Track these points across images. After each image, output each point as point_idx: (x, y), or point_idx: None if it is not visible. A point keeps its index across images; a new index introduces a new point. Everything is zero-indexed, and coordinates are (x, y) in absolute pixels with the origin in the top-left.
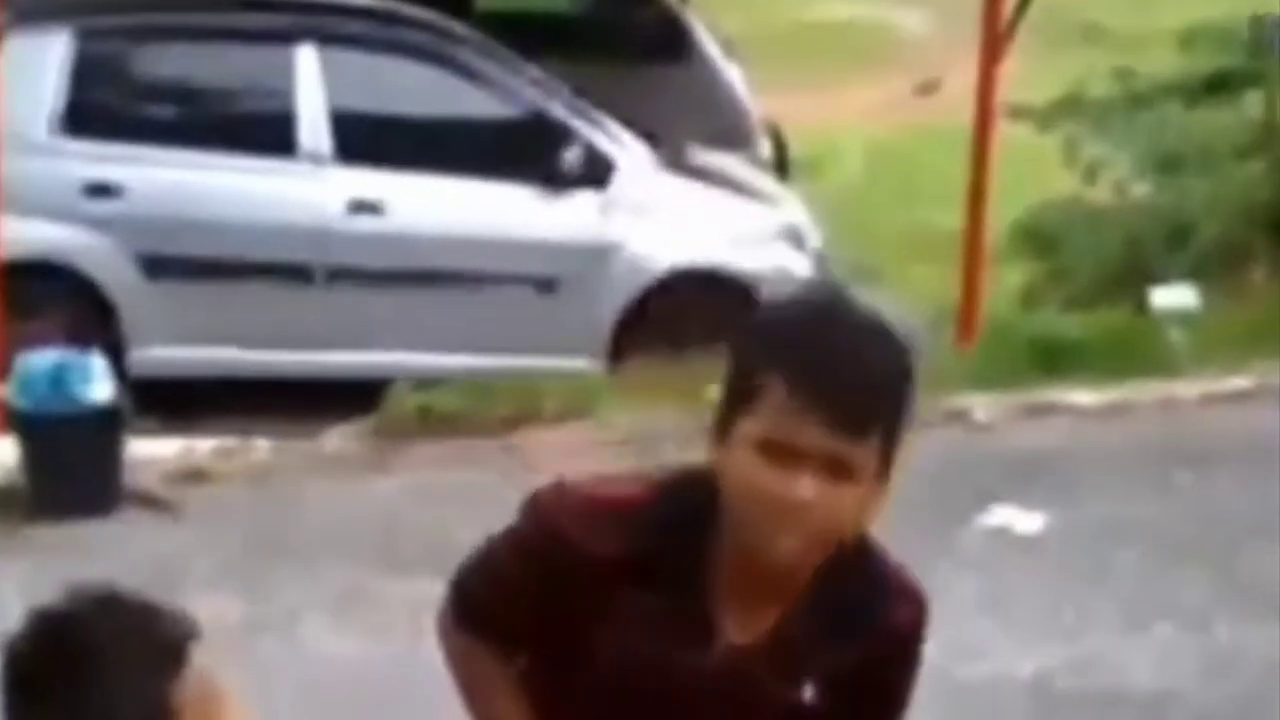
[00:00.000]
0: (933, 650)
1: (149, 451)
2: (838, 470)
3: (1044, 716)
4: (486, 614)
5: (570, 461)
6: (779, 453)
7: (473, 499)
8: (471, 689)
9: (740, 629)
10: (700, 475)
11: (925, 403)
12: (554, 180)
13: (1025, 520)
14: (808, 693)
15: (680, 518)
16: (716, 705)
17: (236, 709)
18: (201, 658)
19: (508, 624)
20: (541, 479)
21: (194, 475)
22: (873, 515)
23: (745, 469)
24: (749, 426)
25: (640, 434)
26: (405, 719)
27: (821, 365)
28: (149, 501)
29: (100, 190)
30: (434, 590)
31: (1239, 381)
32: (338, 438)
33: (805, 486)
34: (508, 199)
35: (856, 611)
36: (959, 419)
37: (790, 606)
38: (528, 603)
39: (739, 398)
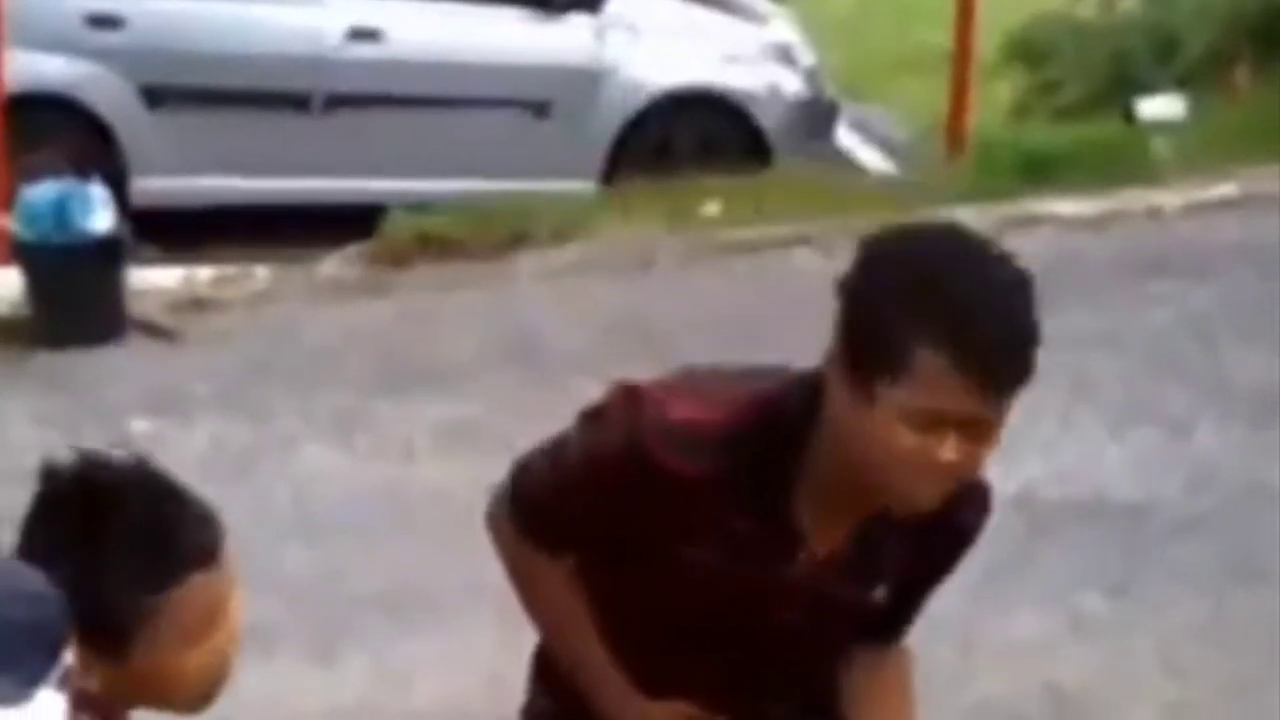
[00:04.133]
0: None
1: (151, 280)
2: (983, 430)
3: (1027, 528)
4: (554, 526)
5: (566, 281)
6: (928, 421)
7: (469, 321)
8: (536, 598)
9: (821, 540)
10: (787, 398)
11: (915, 216)
12: (548, 4)
13: None
14: (879, 592)
15: (769, 442)
16: (794, 615)
17: (236, 607)
18: (226, 561)
19: (576, 537)
20: (536, 302)
21: (195, 303)
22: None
23: (889, 436)
24: (899, 396)
25: (635, 254)
26: (399, 537)
27: (979, 337)
28: (151, 329)
29: (102, 21)
30: (429, 412)
31: (1225, 189)
32: (335, 263)
33: (950, 449)
34: (503, 24)
35: (934, 514)
36: None
37: (867, 514)
38: (601, 518)
39: (881, 362)
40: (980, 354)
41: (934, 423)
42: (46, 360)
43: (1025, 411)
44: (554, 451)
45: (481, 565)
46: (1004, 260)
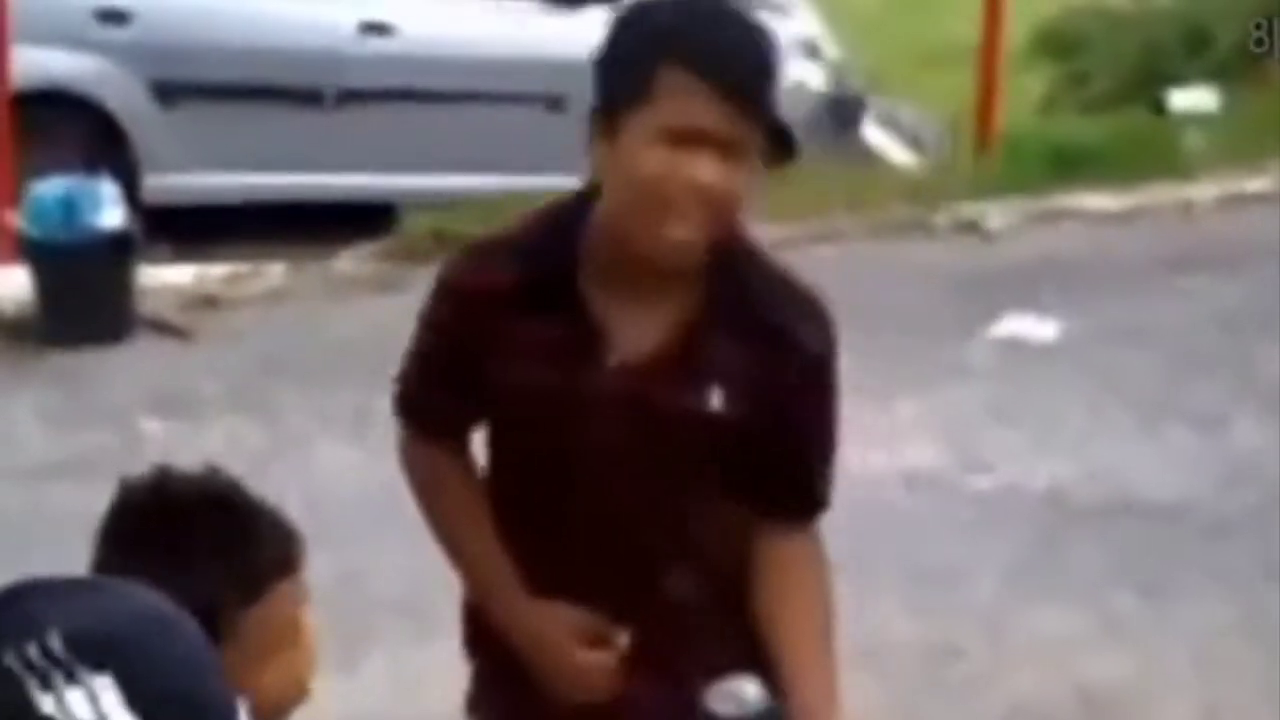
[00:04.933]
0: (946, 461)
1: (162, 278)
2: (733, 151)
3: (1058, 526)
4: (426, 405)
5: None
6: (679, 138)
7: None
8: (435, 506)
9: (634, 342)
10: (575, 196)
11: (941, 211)
12: None
13: (1040, 328)
14: (714, 399)
15: (560, 237)
16: (621, 424)
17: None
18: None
19: (445, 409)
20: None
21: (207, 301)
22: (750, 202)
23: (644, 158)
24: (647, 118)
25: None
26: (414, 536)
27: (718, 48)
28: (162, 328)
29: (111, 16)
30: None
31: (1256, 184)
32: (350, 260)
33: (705, 168)
34: (518, 17)
35: (757, 314)
36: (974, 227)
37: (683, 312)
38: (451, 369)
39: (629, 93)
40: (720, 64)
41: (682, 138)
42: (55, 359)
43: (1055, 406)
44: (412, 338)
45: None
46: (750, 18)
